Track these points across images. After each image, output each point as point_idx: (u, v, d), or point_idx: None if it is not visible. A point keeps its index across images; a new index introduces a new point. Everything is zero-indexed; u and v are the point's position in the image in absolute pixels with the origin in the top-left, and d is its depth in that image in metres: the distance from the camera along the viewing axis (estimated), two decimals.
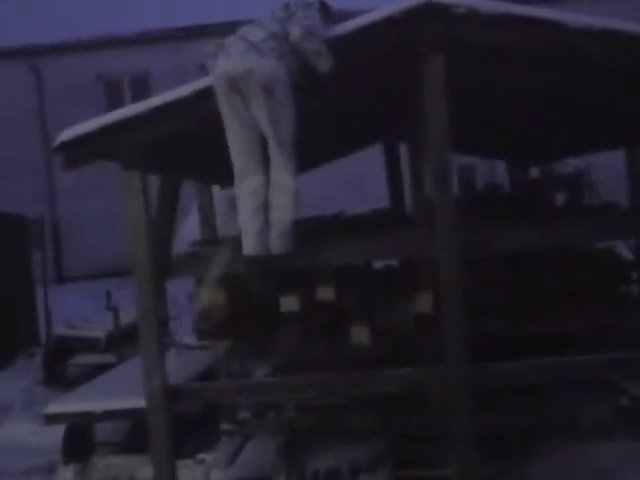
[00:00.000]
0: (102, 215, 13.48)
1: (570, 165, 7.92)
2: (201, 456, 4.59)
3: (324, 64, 3.39)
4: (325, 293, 3.89)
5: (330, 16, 3.60)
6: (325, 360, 4.19)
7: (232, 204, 6.35)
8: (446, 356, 3.61)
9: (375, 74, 4.12)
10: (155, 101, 3.70)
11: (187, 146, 4.08)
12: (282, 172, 3.43)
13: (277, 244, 3.50)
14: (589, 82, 4.05)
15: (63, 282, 13.86)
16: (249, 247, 3.58)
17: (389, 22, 3.49)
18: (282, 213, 3.47)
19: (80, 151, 3.67)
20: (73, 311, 9.52)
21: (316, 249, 3.70)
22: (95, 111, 13.56)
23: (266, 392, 3.94)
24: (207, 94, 3.55)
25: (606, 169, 7.99)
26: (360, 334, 3.89)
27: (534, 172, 7.74)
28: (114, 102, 14.56)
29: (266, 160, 3.55)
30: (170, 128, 3.66)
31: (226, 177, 5.77)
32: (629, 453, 4.24)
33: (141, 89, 14.59)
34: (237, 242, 3.71)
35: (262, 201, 3.54)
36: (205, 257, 3.92)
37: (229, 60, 3.37)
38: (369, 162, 9.28)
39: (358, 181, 12.51)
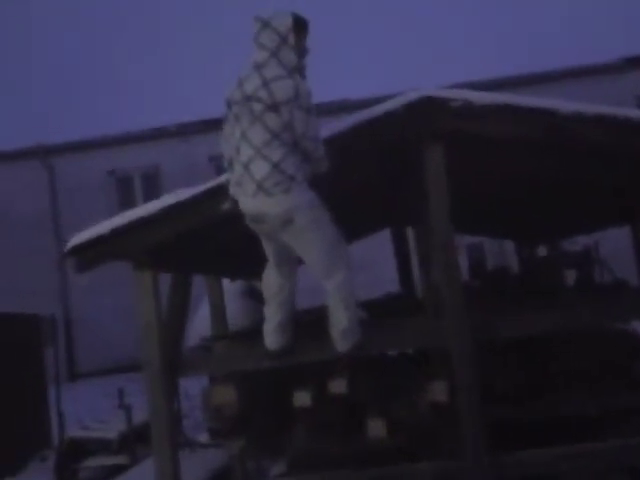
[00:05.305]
0: (114, 310, 13.55)
1: (578, 243, 7.95)
2: None
3: (323, 166, 3.48)
4: (337, 386, 3.84)
5: (306, 30, 3.45)
6: (341, 456, 4.08)
7: (243, 296, 6.42)
8: (465, 446, 3.52)
9: (378, 163, 4.23)
10: (165, 201, 3.79)
11: (197, 242, 4.15)
12: (330, 280, 3.48)
13: (340, 343, 3.57)
14: (585, 164, 4.14)
15: (75, 379, 13.74)
16: (267, 342, 3.66)
17: (389, 116, 3.62)
18: (338, 315, 3.52)
19: (92, 254, 3.73)
20: (86, 409, 9.41)
21: (326, 341, 3.68)
22: (107, 207, 14.06)
23: None
24: (216, 193, 3.65)
25: (616, 244, 8.03)
26: (376, 427, 3.80)
27: (542, 251, 7.76)
28: (126, 197, 14.95)
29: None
30: (180, 227, 3.73)
31: (236, 269, 5.87)
32: None
33: (152, 183, 14.97)
34: (249, 336, 3.73)
35: (284, 298, 3.61)
36: (217, 354, 3.91)
37: (245, 200, 3.38)
38: (379, 247, 9.39)
39: (369, 266, 12.58)
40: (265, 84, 3.31)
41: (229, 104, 3.45)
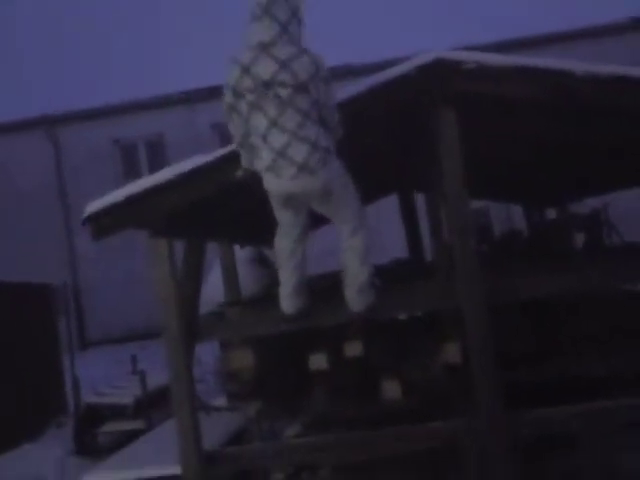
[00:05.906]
0: (122, 280, 13.67)
1: (586, 205, 7.95)
2: None
3: (339, 134, 3.50)
4: (353, 349, 3.91)
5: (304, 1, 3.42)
6: (356, 417, 4.17)
7: (252, 263, 6.47)
8: (480, 406, 3.58)
9: (389, 127, 4.23)
10: (180, 168, 3.79)
11: (210, 209, 4.17)
12: (354, 237, 3.54)
13: (355, 302, 3.62)
14: (599, 124, 4.13)
15: (86, 347, 13.91)
16: (284, 306, 3.69)
17: (403, 79, 3.60)
18: (355, 270, 3.57)
19: (108, 221, 3.74)
20: (98, 377, 9.54)
21: (341, 305, 3.73)
22: (112, 175, 14.04)
23: (302, 453, 3.89)
24: (230, 160, 3.66)
25: (626, 207, 8.02)
26: (391, 389, 3.88)
27: (550, 214, 7.76)
28: (130, 166, 14.94)
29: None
30: (194, 194, 3.75)
31: (247, 236, 5.90)
32: None
33: (156, 152, 14.94)
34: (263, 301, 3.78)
35: (298, 262, 3.63)
36: (234, 319, 3.96)
37: (280, 182, 3.34)
38: (383, 213, 9.40)
39: (375, 232, 12.58)
40: (284, 66, 3.24)
41: (237, 93, 3.34)
